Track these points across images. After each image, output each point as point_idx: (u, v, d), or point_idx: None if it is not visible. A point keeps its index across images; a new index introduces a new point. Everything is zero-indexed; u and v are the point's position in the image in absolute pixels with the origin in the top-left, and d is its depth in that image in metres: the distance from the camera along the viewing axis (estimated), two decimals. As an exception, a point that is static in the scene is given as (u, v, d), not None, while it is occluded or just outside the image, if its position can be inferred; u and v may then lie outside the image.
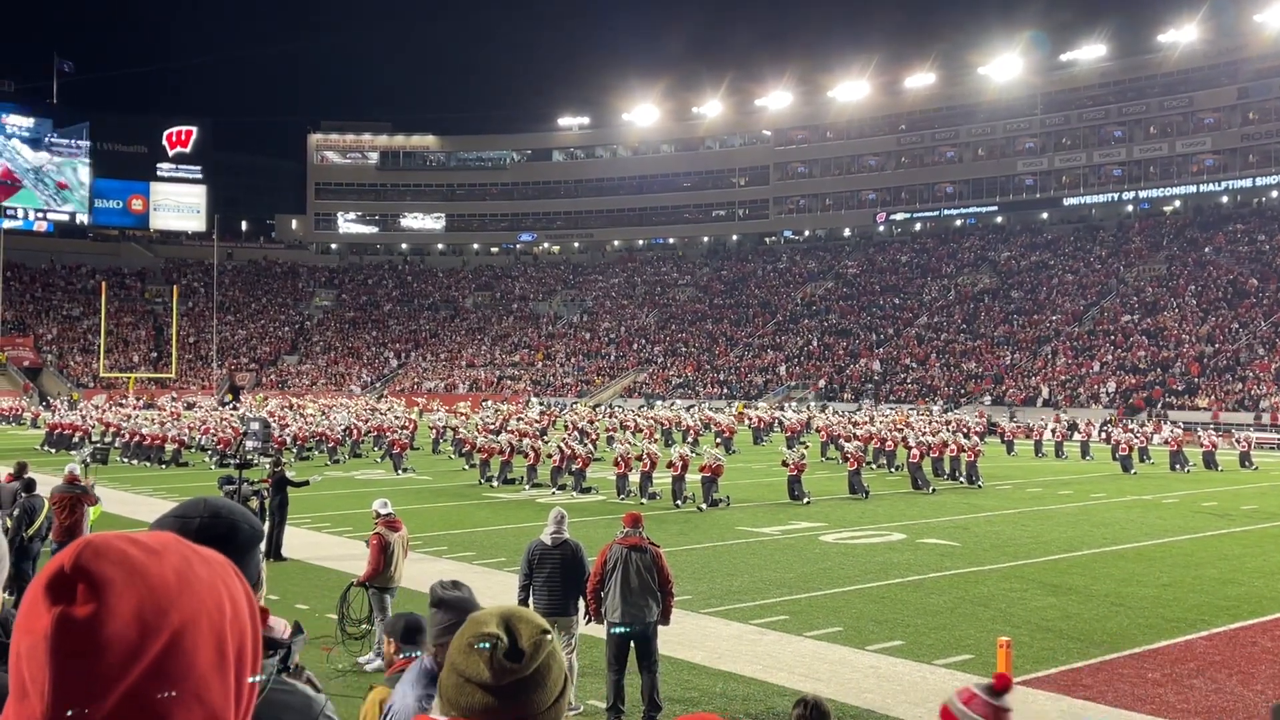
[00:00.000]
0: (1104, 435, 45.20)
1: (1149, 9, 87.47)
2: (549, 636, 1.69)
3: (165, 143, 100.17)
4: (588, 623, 10.15)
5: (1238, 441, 39.25)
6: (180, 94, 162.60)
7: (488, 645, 1.64)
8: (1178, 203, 79.02)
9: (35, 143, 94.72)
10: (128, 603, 1.10)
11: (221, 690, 1.15)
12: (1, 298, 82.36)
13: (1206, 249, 71.05)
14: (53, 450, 39.39)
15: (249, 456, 14.14)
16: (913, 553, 18.60)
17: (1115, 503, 26.58)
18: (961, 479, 30.41)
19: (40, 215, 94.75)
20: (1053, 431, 43.77)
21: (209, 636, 1.15)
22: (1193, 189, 77.46)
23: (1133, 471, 34.40)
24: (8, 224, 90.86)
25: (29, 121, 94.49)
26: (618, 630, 9.60)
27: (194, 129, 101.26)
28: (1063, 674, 11.13)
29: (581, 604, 10.09)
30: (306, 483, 20.66)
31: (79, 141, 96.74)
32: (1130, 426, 42.84)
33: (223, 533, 2.02)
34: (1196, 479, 33.13)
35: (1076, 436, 43.94)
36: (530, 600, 10.24)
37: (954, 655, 11.76)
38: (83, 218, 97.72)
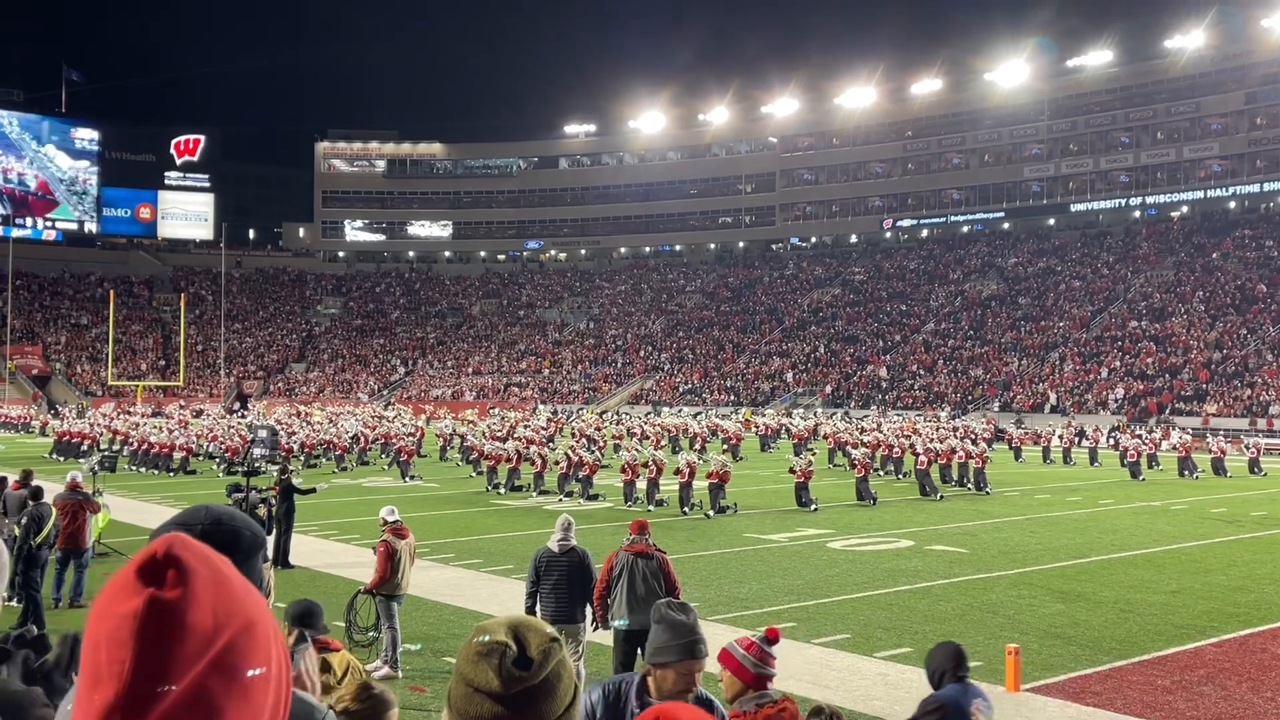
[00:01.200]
0: (1112, 441, 45.08)
1: (1156, 15, 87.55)
2: (558, 645, 1.68)
3: (173, 151, 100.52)
4: (595, 630, 10.13)
5: (1247, 447, 39.12)
6: (188, 103, 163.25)
7: (495, 653, 1.63)
8: (1185, 208, 78.86)
9: (69, 150, 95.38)
10: (208, 594, 1.18)
11: (263, 691, 1.20)
12: (10, 306, 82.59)
13: (1214, 255, 70.90)
14: (61, 458, 39.43)
15: (257, 464, 14.15)
16: (921, 559, 18.56)
17: (1124, 509, 26.50)
18: (969, 485, 30.34)
19: (49, 224, 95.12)
20: (1060, 438, 43.65)
21: (261, 640, 1.22)
22: (1200, 194, 77.30)
23: (1141, 478, 34.30)
24: (16, 233, 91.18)
25: (58, 130, 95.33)
26: (624, 626, 9.56)
27: (202, 138, 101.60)
28: (1071, 681, 11.08)
29: (589, 611, 10.07)
30: (313, 490, 20.68)
31: (90, 147, 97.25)
32: (1138, 433, 42.74)
33: (225, 539, 2.02)
34: (1205, 485, 33.02)
35: (1084, 443, 43.83)
36: (537, 607, 10.23)
37: (962, 662, 11.71)
38: (91, 226, 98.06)
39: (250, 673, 1.18)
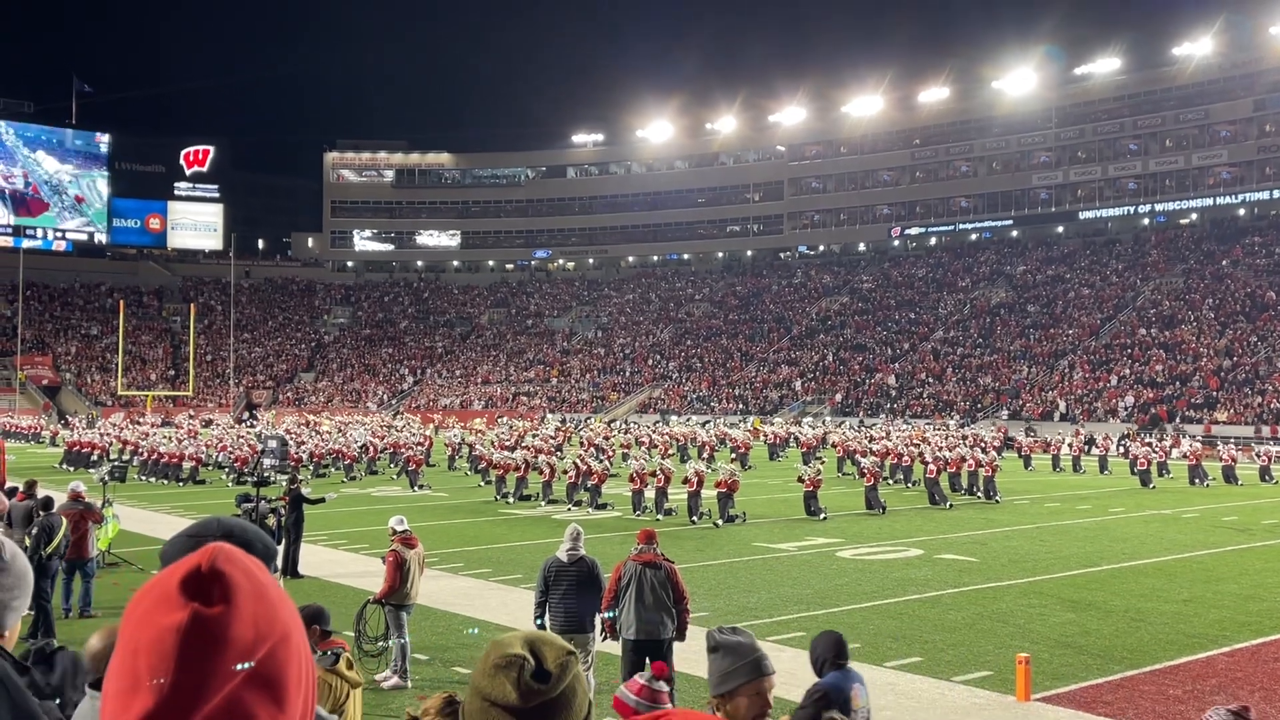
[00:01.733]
0: (1122, 449, 44.93)
1: (1163, 22, 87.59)
2: (574, 658, 1.68)
3: (182, 162, 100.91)
4: (604, 640, 10.12)
5: (1258, 455, 38.97)
6: (197, 114, 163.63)
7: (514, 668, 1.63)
8: (1194, 216, 78.68)
9: (58, 150, 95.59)
10: (249, 607, 1.20)
11: (296, 702, 1.22)
12: (21, 317, 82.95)
13: (1224, 262, 70.72)
14: (71, 468, 39.53)
15: (266, 475, 14.20)
16: (930, 568, 18.51)
17: (1134, 517, 26.41)
18: (979, 494, 30.26)
19: (59, 235, 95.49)
20: (1070, 446, 43.51)
21: (296, 651, 1.24)
22: (1209, 202, 77.12)
23: (1151, 486, 34.19)
24: (27, 244, 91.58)
25: (49, 131, 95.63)
26: (633, 639, 9.57)
27: (211, 148, 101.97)
28: (1083, 690, 11.03)
29: (598, 620, 10.06)
30: (323, 500, 20.70)
31: (98, 152, 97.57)
32: (1148, 440, 42.59)
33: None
34: (1216, 493, 32.88)
35: (1094, 451, 43.70)
36: (546, 617, 10.23)
37: (972, 672, 11.68)
38: (101, 237, 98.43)
39: (284, 682, 1.20)
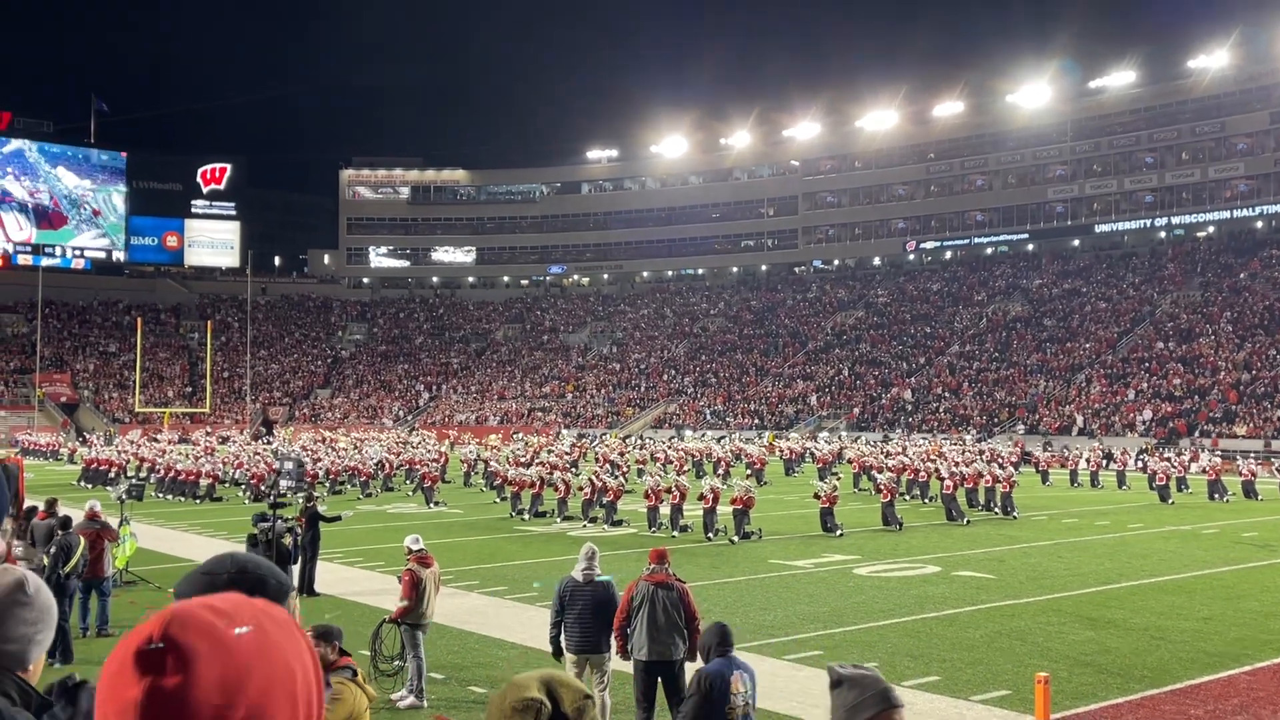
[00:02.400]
0: (1140, 464, 44.64)
1: (1178, 35, 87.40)
2: (591, 701, 1.67)
3: (200, 180, 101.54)
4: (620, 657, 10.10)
5: (1278, 470, 38.64)
6: (214, 132, 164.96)
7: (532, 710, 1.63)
8: (1211, 229, 78.32)
9: (77, 166, 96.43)
10: (212, 672, 1.16)
11: None
12: (40, 334, 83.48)
13: (1242, 275, 70.34)
14: (89, 486, 39.70)
15: (283, 496, 14.21)
16: (947, 585, 18.40)
17: (1153, 533, 26.22)
18: (996, 510, 30.09)
19: (78, 254, 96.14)
20: (1088, 461, 43.25)
21: (284, 703, 1.21)
22: (1226, 214, 76.78)
23: (1170, 501, 33.94)
24: (46, 261, 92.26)
25: (70, 148, 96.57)
26: (645, 659, 9.56)
27: (228, 166, 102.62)
28: (1103, 710, 10.94)
29: (613, 640, 10.05)
30: (339, 518, 20.73)
31: (116, 166, 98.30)
32: (1167, 455, 42.29)
33: (250, 588, 2.03)
34: (1236, 509, 32.62)
35: (1112, 466, 43.43)
36: (562, 637, 10.21)
37: (991, 690, 11.60)
38: (119, 255, 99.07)
39: None
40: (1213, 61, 75.26)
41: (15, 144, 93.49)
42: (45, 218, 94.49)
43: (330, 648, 6.48)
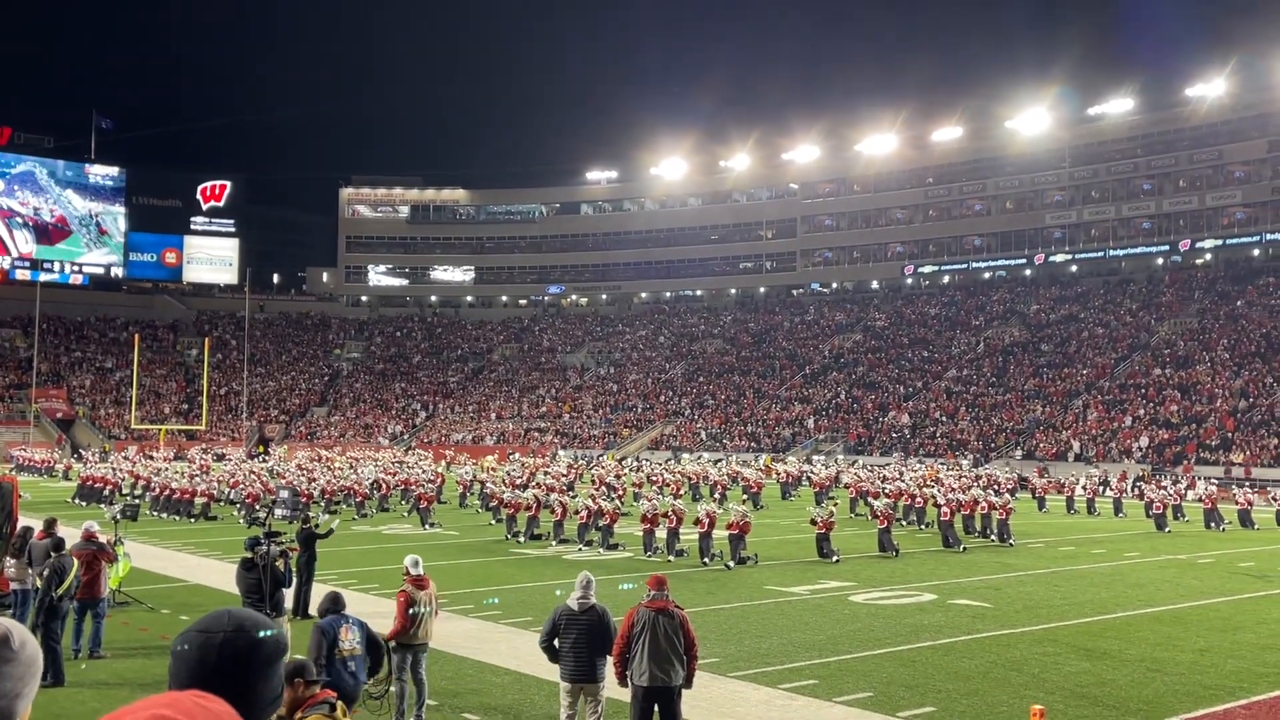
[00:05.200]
0: (1137, 491, 44.62)
1: (1176, 63, 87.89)
2: None
3: (199, 197, 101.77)
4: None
5: (1274, 499, 38.63)
6: (214, 150, 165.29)
7: None
8: (1209, 256, 78.58)
9: (82, 189, 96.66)
10: None
11: None
12: (37, 350, 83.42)
13: (1239, 302, 70.51)
14: (84, 503, 39.61)
15: (277, 530, 14.20)
16: (944, 614, 18.35)
17: (1149, 562, 26.18)
18: (993, 536, 30.05)
19: (76, 269, 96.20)
20: (1084, 488, 43.23)
21: None
22: (1223, 242, 77.04)
23: (1167, 529, 33.88)
24: (44, 277, 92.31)
25: (74, 167, 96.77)
26: (645, 685, 9.56)
27: (227, 183, 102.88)
28: (1098, 744, 10.89)
29: (609, 668, 10.02)
30: (330, 532, 20.56)
31: (117, 186, 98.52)
32: (1163, 483, 42.26)
33: (246, 646, 2.03)
34: (1233, 538, 32.58)
35: (1108, 492, 43.38)
36: (558, 665, 10.18)
37: (986, 723, 11.55)
38: (118, 270, 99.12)
39: None
40: (1210, 90, 75.66)
41: (25, 165, 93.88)
42: (45, 234, 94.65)
43: (303, 684, 6.43)
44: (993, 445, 63.02)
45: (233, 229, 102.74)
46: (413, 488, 39.30)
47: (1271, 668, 14.35)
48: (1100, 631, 16.81)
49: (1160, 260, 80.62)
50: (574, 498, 33.41)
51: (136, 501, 38.03)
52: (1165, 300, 74.82)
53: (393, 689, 11.38)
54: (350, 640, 9.13)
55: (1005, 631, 16.79)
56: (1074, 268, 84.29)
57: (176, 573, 22.84)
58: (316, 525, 19.38)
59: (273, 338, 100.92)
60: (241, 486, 39.60)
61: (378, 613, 17.33)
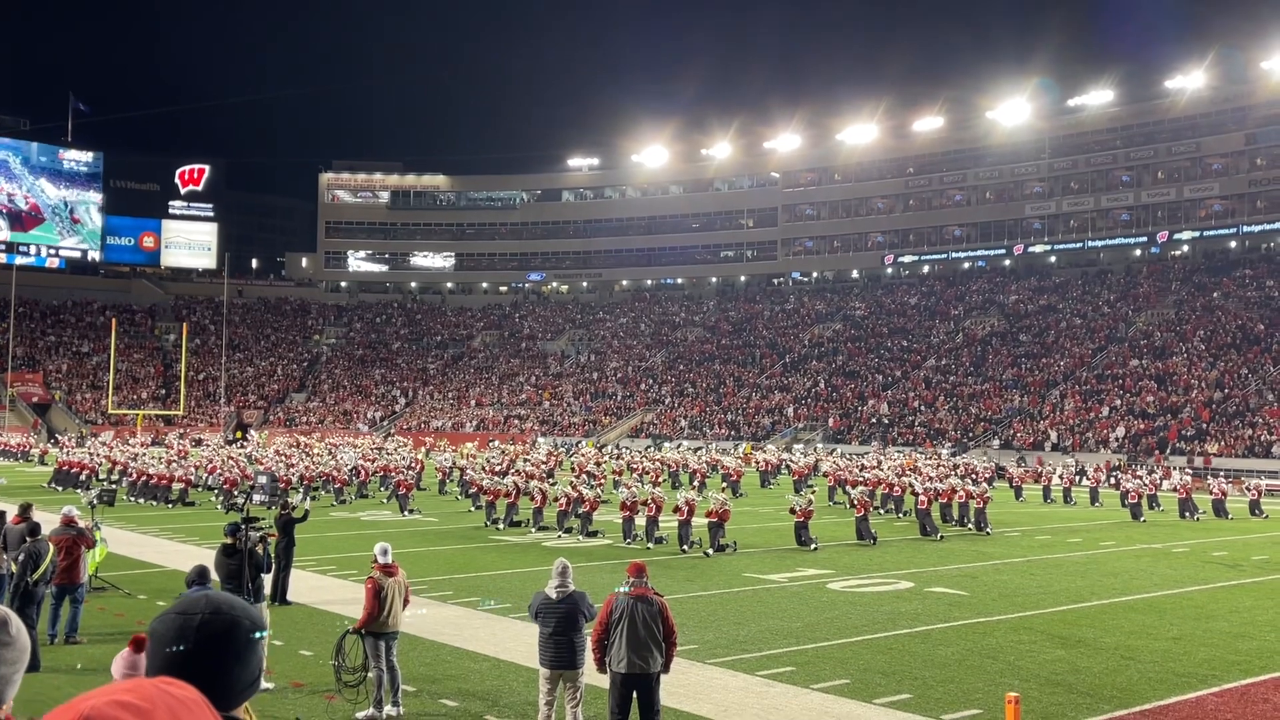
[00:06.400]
0: (1113, 481, 44.96)
1: (1156, 55, 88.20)
2: None
3: (178, 181, 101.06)
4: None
5: (1248, 489, 38.99)
6: (193, 134, 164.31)
7: None
8: (1186, 247, 79.12)
9: (55, 175, 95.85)
10: None
11: None
12: (13, 334, 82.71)
13: (1215, 294, 71.04)
14: (60, 488, 39.38)
15: (255, 516, 14.13)
16: (920, 602, 18.46)
17: (1125, 551, 26.39)
18: (970, 525, 30.24)
19: (53, 252, 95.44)
20: (1061, 477, 43.52)
21: None
22: (1201, 234, 77.56)
23: (1142, 519, 34.18)
24: (21, 260, 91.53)
25: (47, 152, 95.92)
26: (623, 672, 9.59)
27: (206, 168, 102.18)
28: (1072, 731, 10.99)
29: (588, 654, 10.05)
30: (306, 515, 20.42)
31: (92, 171, 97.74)
32: (1139, 473, 42.58)
33: (223, 629, 2.04)
34: (1206, 527, 32.88)
35: (1085, 482, 43.69)
36: (537, 651, 10.20)
37: (962, 710, 11.64)
38: (94, 255, 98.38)
39: None
40: (1189, 82, 76.08)
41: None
42: (19, 221, 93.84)
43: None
44: (971, 434, 63.35)
45: (211, 213, 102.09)
46: (392, 474, 39.23)
47: (1242, 655, 14.51)
48: (1075, 620, 16.95)
49: (1138, 251, 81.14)
50: (554, 485, 33.43)
51: (113, 487, 37.75)
52: (1142, 291, 75.31)
53: (370, 675, 11.37)
54: None
55: (981, 619, 16.90)
56: (1053, 258, 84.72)
57: (154, 558, 22.73)
58: (294, 511, 19.32)
59: (251, 323, 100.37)
60: (219, 472, 39.41)
61: (355, 599, 17.31)
